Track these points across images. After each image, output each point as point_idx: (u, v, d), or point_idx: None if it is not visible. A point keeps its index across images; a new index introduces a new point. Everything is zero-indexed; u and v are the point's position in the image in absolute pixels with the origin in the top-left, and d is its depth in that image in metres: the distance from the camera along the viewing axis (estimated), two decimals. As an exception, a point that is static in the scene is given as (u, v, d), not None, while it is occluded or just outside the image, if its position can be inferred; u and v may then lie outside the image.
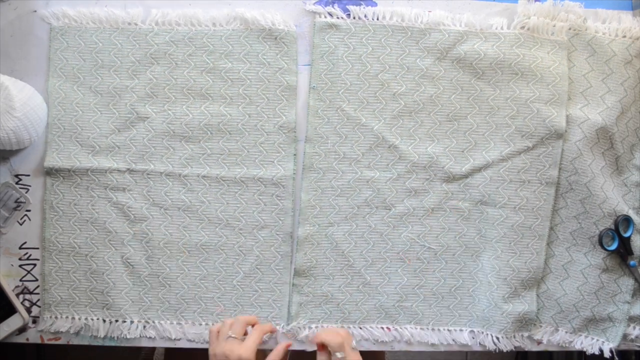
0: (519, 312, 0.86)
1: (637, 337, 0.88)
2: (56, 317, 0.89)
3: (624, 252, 0.86)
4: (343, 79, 0.87)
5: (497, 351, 0.88)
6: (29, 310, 0.89)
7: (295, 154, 0.87)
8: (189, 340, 0.88)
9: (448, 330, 0.89)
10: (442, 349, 0.89)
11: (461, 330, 0.89)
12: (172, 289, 0.88)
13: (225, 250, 0.88)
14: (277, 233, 0.88)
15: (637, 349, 0.89)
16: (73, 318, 0.89)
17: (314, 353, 0.83)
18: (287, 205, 0.88)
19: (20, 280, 0.90)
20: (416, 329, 0.89)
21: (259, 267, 0.88)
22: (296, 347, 0.88)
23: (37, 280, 0.89)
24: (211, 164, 0.87)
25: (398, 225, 0.88)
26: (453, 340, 0.89)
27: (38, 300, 0.89)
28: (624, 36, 0.86)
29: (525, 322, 0.87)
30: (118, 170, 0.87)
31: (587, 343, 0.88)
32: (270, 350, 0.82)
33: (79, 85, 0.87)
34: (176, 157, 0.87)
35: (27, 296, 0.89)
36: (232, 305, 0.88)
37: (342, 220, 0.88)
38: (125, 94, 0.87)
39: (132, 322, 0.88)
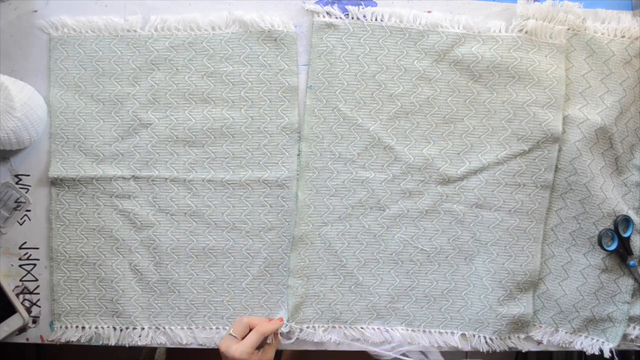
0: (514, 315, 0.86)
1: (637, 337, 0.88)
2: (66, 327, 0.89)
3: (623, 252, 0.86)
4: (340, 79, 0.86)
5: (490, 352, 0.88)
6: (29, 310, 0.89)
7: (299, 155, 0.87)
8: (200, 345, 0.89)
9: (439, 332, 0.89)
10: (432, 350, 0.89)
11: (452, 332, 0.89)
12: (182, 294, 0.88)
13: (233, 253, 0.88)
14: (284, 234, 0.88)
15: (637, 349, 0.89)
16: (83, 327, 0.89)
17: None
18: (292, 206, 0.88)
19: (20, 280, 0.89)
20: (407, 330, 0.89)
21: (267, 269, 0.88)
22: (295, 347, 0.89)
23: (37, 280, 0.89)
24: (216, 168, 0.87)
25: (392, 227, 0.88)
26: (444, 342, 0.89)
27: (38, 300, 0.89)
28: (623, 36, 0.85)
29: (520, 325, 0.87)
30: (123, 178, 0.87)
31: (587, 343, 0.88)
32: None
33: (81, 94, 0.87)
34: (180, 162, 0.87)
35: (27, 296, 0.89)
36: (242, 308, 0.89)
37: (336, 220, 0.88)
38: (127, 101, 0.87)
39: (142, 328, 0.88)
